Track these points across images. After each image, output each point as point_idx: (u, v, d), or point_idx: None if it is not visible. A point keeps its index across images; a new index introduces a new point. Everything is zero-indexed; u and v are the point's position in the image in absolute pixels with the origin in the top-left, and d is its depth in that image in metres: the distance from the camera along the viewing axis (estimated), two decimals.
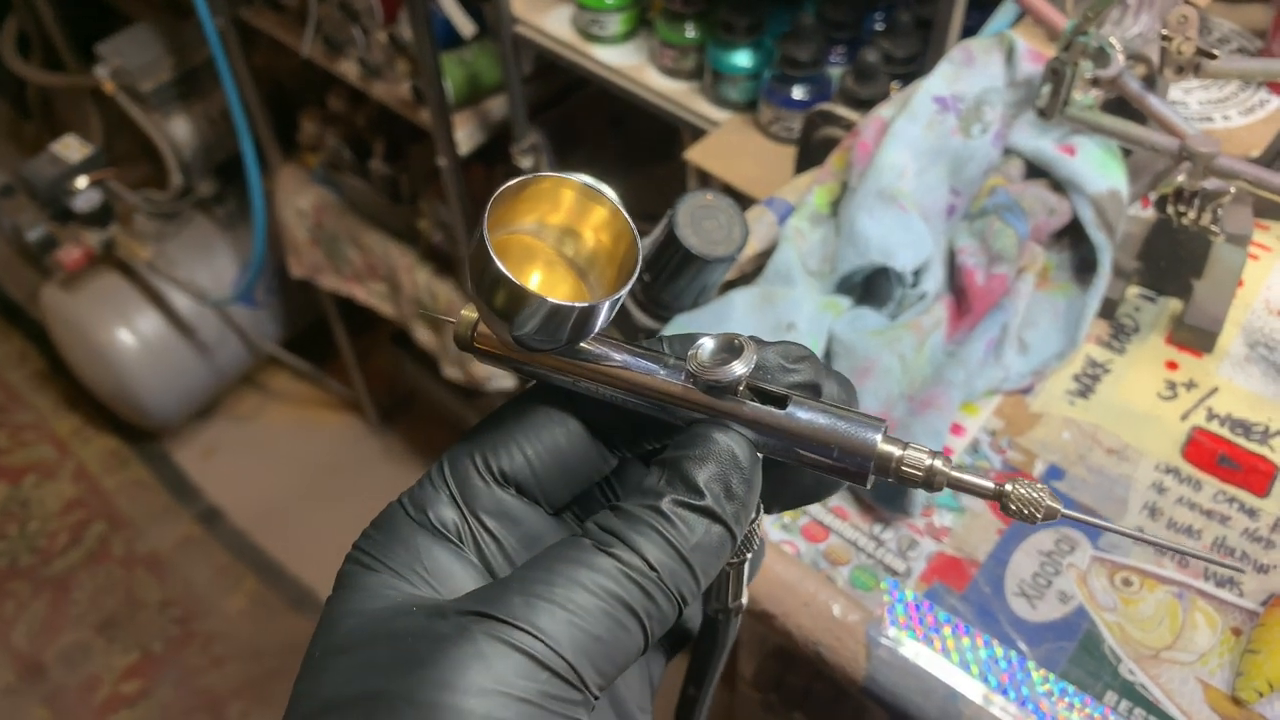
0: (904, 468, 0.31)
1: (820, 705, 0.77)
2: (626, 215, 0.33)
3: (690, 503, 0.31)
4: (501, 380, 1.75)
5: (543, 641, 0.28)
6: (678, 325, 0.72)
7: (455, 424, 2.11)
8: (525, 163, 1.42)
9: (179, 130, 1.96)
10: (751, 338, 0.34)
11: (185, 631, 2.02)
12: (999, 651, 0.63)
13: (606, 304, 0.32)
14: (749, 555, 0.37)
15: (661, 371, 0.33)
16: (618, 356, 0.34)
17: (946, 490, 0.66)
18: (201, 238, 2.08)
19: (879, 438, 0.31)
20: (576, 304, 0.31)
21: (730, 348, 0.33)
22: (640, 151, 1.64)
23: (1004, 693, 0.61)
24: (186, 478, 2.25)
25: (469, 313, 0.35)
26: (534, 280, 0.34)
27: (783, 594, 0.66)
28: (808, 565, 0.67)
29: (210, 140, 2.00)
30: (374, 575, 0.32)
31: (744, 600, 0.38)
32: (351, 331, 2.13)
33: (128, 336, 2.03)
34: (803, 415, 0.32)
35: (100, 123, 2.15)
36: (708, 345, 0.33)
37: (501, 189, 0.31)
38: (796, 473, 0.35)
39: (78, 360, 2.12)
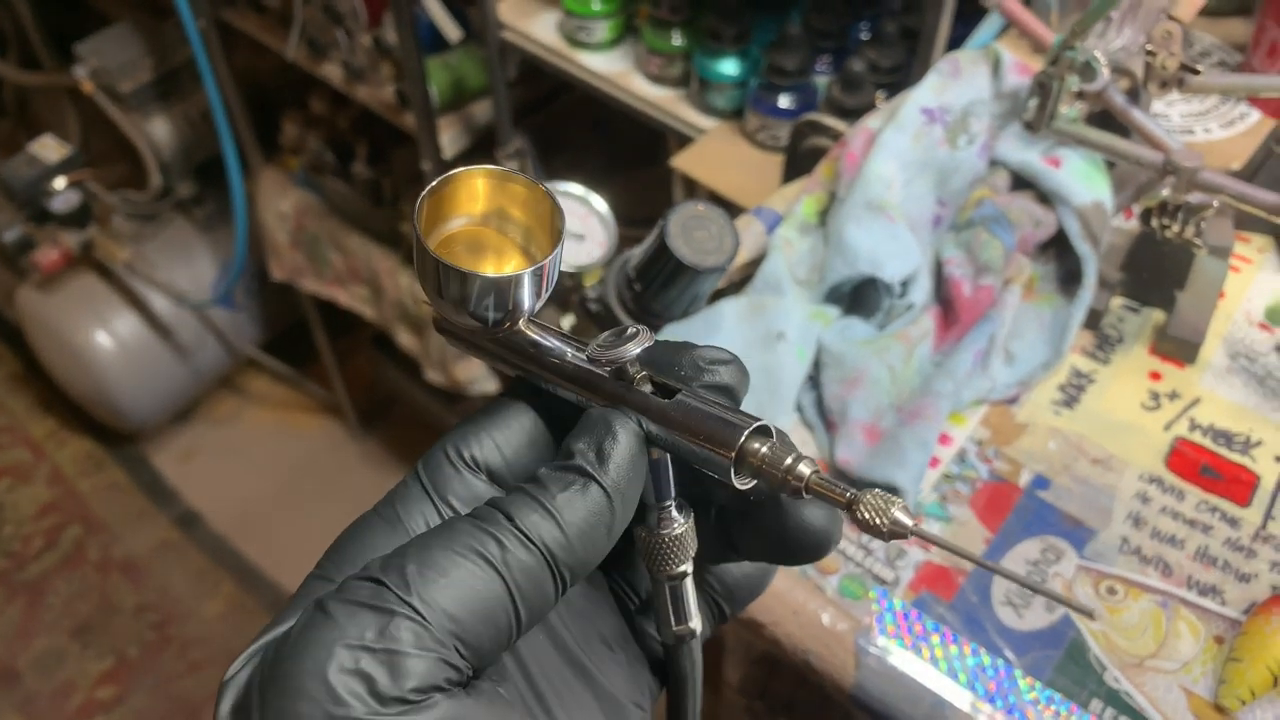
0: (764, 466, 0.31)
1: (805, 712, 0.77)
2: (543, 185, 0.34)
3: (562, 464, 0.32)
4: (483, 384, 1.75)
5: (391, 590, 0.28)
6: (668, 334, 0.72)
7: (436, 428, 2.10)
8: (510, 167, 1.42)
9: (158, 131, 1.95)
10: (684, 342, 0.35)
11: (162, 636, 2.00)
12: (986, 660, 0.63)
13: (527, 273, 0.33)
14: (685, 568, 0.35)
15: (569, 355, 0.35)
16: (548, 343, 0.35)
17: (933, 498, 0.67)
18: (180, 239, 2.06)
19: (745, 434, 0.32)
20: (497, 274, 0.33)
21: (623, 334, 0.34)
22: (626, 156, 1.64)
23: (991, 701, 0.62)
24: (164, 481, 2.23)
25: None
26: (486, 265, 0.35)
27: (772, 602, 0.66)
28: (796, 573, 0.67)
29: (190, 141, 1.98)
30: (317, 583, 0.32)
31: (694, 625, 0.36)
32: (331, 334, 2.12)
33: (105, 338, 2.01)
34: (684, 407, 0.33)
35: (78, 122, 2.13)
36: (606, 335, 0.34)
37: (424, 192, 0.33)
38: (758, 514, 0.35)
39: (54, 362, 2.09)
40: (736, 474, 0.32)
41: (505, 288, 0.33)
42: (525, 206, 0.35)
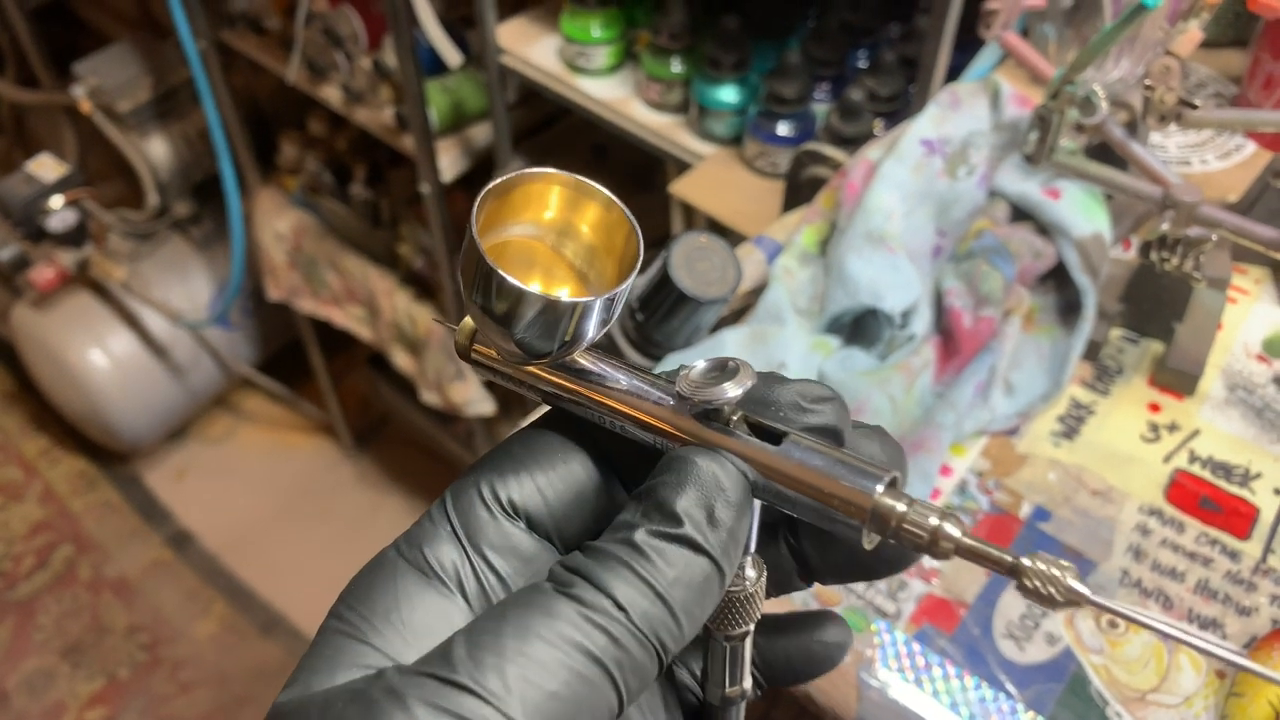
0: (905, 526, 0.27)
1: None
2: (622, 206, 0.31)
3: (666, 531, 0.27)
4: (479, 405, 1.75)
5: (489, 703, 0.24)
6: (670, 364, 0.72)
7: (431, 448, 2.10)
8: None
9: (156, 150, 1.95)
10: (771, 373, 0.31)
11: (153, 657, 1.99)
12: (988, 693, 0.63)
13: (600, 300, 0.29)
14: (749, 628, 0.32)
15: (654, 394, 0.30)
16: (615, 375, 0.31)
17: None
18: (177, 258, 2.06)
19: (879, 488, 0.28)
20: (570, 299, 0.29)
21: (724, 369, 0.30)
22: (624, 180, 1.65)
23: None
24: (157, 500, 2.22)
25: (470, 321, 0.33)
26: (534, 284, 0.31)
27: None
28: (798, 606, 0.67)
29: (188, 160, 1.98)
30: (341, 639, 0.28)
31: (747, 686, 0.33)
32: (326, 354, 2.11)
33: (100, 357, 2.01)
34: (797, 455, 0.29)
35: (76, 140, 2.13)
36: (700, 365, 0.30)
37: (487, 188, 0.29)
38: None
39: (48, 380, 2.08)
40: (867, 534, 0.28)
41: (566, 314, 0.29)
42: (596, 226, 0.31)
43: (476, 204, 0.28)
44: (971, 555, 0.27)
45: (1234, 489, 0.72)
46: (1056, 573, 0.26)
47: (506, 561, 0.30)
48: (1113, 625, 0.66)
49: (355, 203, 1.75)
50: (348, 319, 1.87)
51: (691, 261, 0.67)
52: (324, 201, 1.80)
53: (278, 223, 1.87)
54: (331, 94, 1.57)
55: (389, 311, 1.76)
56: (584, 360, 0.31)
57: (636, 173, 1.60)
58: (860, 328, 0.77)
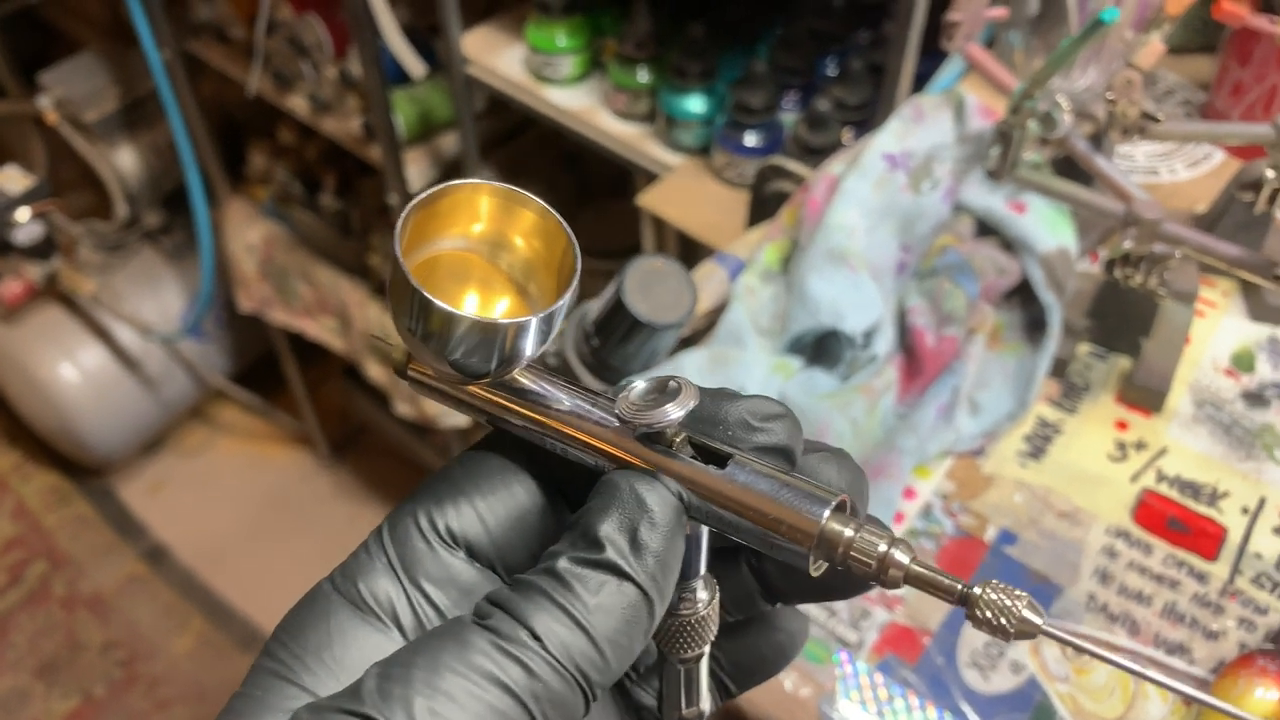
0: (854, 553, 0.26)
1: None
2: (558, 216, 0.29)
3: (586, 558, 0.26)
4: (454, 418, 1.73)
5: None
6: None
7: (408, 459, 2.08)
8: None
9: (124, 161, 1.92)
10: (722, 389, 0.30)
11: (129, 674, 1.96)
12: None
13: (536, 319, 0.28)
14: (703, 650, 0.31)
15: (596, 414, 0.29)
16: (557, 395, 0.30)
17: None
18: (148, 270, 2.04)
19: (826, 513, 0.26)
20: (504, 320, 0.27)
21: (664, 389, 0.28)
22: (595, 189, 1.63)
23: None
24: (131, 514, 2.20)
25: None
26: (470, 299, 0.30)
27: None
28: None
29: (157, 170, 1.96)
30: (271, 679, 0.27)
31: (704, 708, 0.32)
32: (302, 364, 2.09)
33: (70, 371, 1.98)
34: (741, 478, 0.27)
35: (43, 150, 2.10)
36: (639, 385, 0.28)
37: (412, 202, 0.27)
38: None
39: (18, 395, 2.06)
40: (813, 561, 0.27)
41: (500, 336, 0.28)
42: (532, 237, 0.30)
43: (400, 221, 0.27)
44: (921, 583, 0.26)
45: (1202, 509, 0.71)
46: (1009, 603, 0.25)
47: (445, 594, 0.29)
48: (1079, 653, 0.65)
49: (325, 213, 1.73)
50: (320, 330, 1.85)
51: (646, 286, 0.65)
52: (294, 211, 1.78)
53: (248, 233, 1.84)
54: (298, 104, 1.54)
55: (361, 322, 1.74)
56: (524, 379, 0.30)
57: (609, 182, 1.59)
58: (823, 347, 0.76)
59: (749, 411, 0.29)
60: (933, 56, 0.99)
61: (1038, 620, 0.25)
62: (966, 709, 0.63)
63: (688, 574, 0.29)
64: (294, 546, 2.13)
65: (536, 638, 0.25)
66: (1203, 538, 0.69)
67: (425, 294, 0.26)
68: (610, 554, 0.26)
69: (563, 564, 0.26)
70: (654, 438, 0.28)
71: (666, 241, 1.24)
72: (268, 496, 2.21)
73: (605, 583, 0.26)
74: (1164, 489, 0.72)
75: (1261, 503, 0.71)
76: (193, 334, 1.96)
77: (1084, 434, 0.75)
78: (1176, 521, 0.70)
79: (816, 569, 0.27)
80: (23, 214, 1.82)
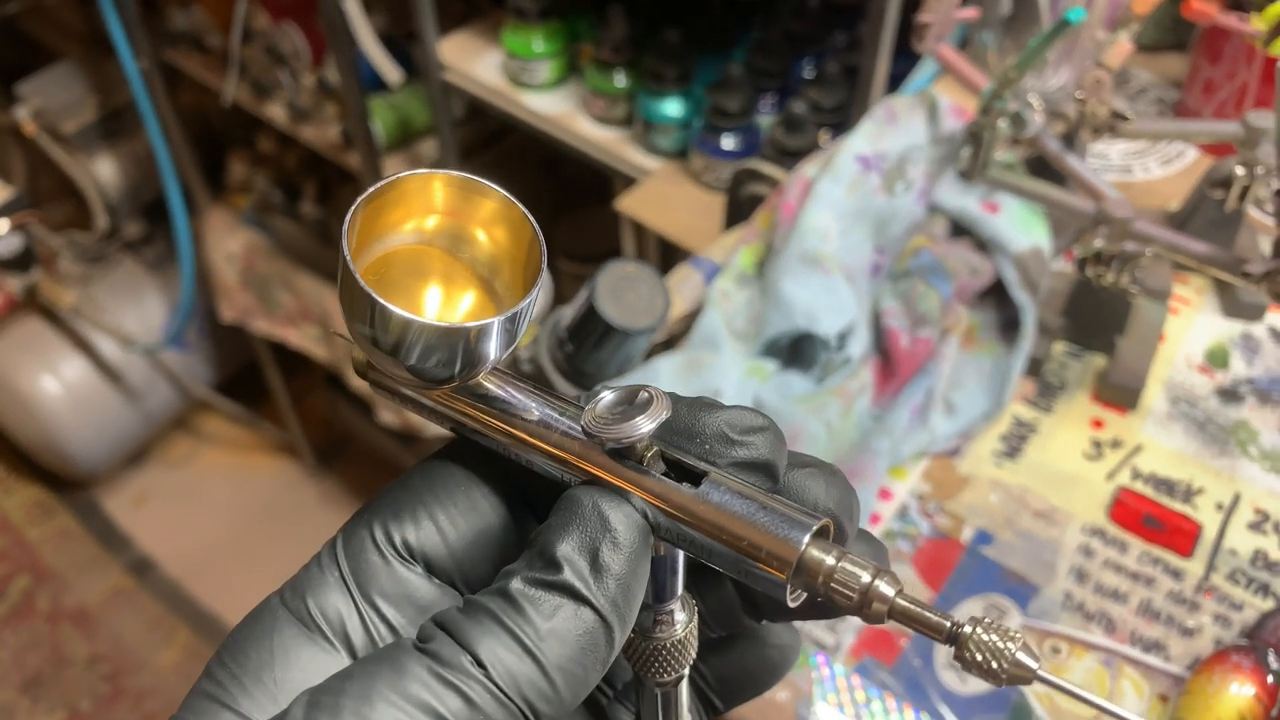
0: (834, 584, 0.24)
1: None
2: (521, 206, 0.27)
3: (542, 578, 0.24)
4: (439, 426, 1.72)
5: None
6: None
7: (395, 466, 2.07)
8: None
9: (104, 171, 1.91)
10: (700, 398, 0.28)
11: (115, 688, 1.95)
12: None
13: (499, 321, 0.26)
14: (681, 673, 0.29)
15: (564, 424, 0.27)
16: (523, 402, 0.28)
17: None
18: (129, 280, 2.03)
19: (805, 539, 0.24)
20: (463, 324, 0.25)
21: (633, 400, 0.26)
22: (574, 195, 1.63)
23: None
24: (116, 527, 2.18)
25: None
26: (432, 295, 0.28)
27: None
28: None
29: (137, 181, 1.95)
30: (206, 703, 0.25)
31: None
32: (286, 373, 2.08)
33: (52, 384, 1.97)
34: (716, 498, 0.25)
35: (22, 162, 2.09)
36: (606, 397, 0.26)
37: (360, 197, 0.25)
38: None
39: (0, 408, 2.04)
40: (791, 590, 0.25)
41: (461, 340, 0.26)
42: (493, 228, 0.28)
43: (348, 218, 0.25)
44: (906, 619, 0.24)
45: (1177, 505, 0.71)
46: (1002, 645, 0.23)
47: (400, 611, 0.27)
48: (1055, 652, 0.65)
49: (306, 221, 1.73)
50: (303, 339, 1.84)
51: (618, 292, 0.65)
52: (275, 220, 1.77)
53: (229, 242, 1.84)
54: (277, 112, 1.54)
55: (343, 330, 1.74)
56: (490, 384, 0.28)
57: (588, 187, 1.59)
58: (798, 350, 0.76)
59: (728, 423, 0.27)
60: (908, 58, 1.00)
61: (1033, 665, 0.23)
62: (944, 710, 0.62)
63: (664, 596, 0.28)
64: (280, 556, 2.12)
65: (480, 664, 0.23)
66: (1178, 535, 0.70)
67: (376, 297, 0.24)
68: (568, 575, 0.24)
69: (516, 585, 0.24)
70: (623, 452, 0.26)
71: (646, 246, 1.24)
72: (253, 507, 2.20)
73: (560, 606, 0.24)
74: (1139, 486, 0.72)
75: (1236, 499, 0.71)
76: (175, 344, 1.95)
77: (1060, 433, 0.75)
78: (1152, 519, 0.70)
79: (794, 599, 0.25)
80: (1, 226, 1.81)
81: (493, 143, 1.57)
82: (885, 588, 0.24)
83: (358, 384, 1.80)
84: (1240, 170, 0.71)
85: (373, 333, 0.25)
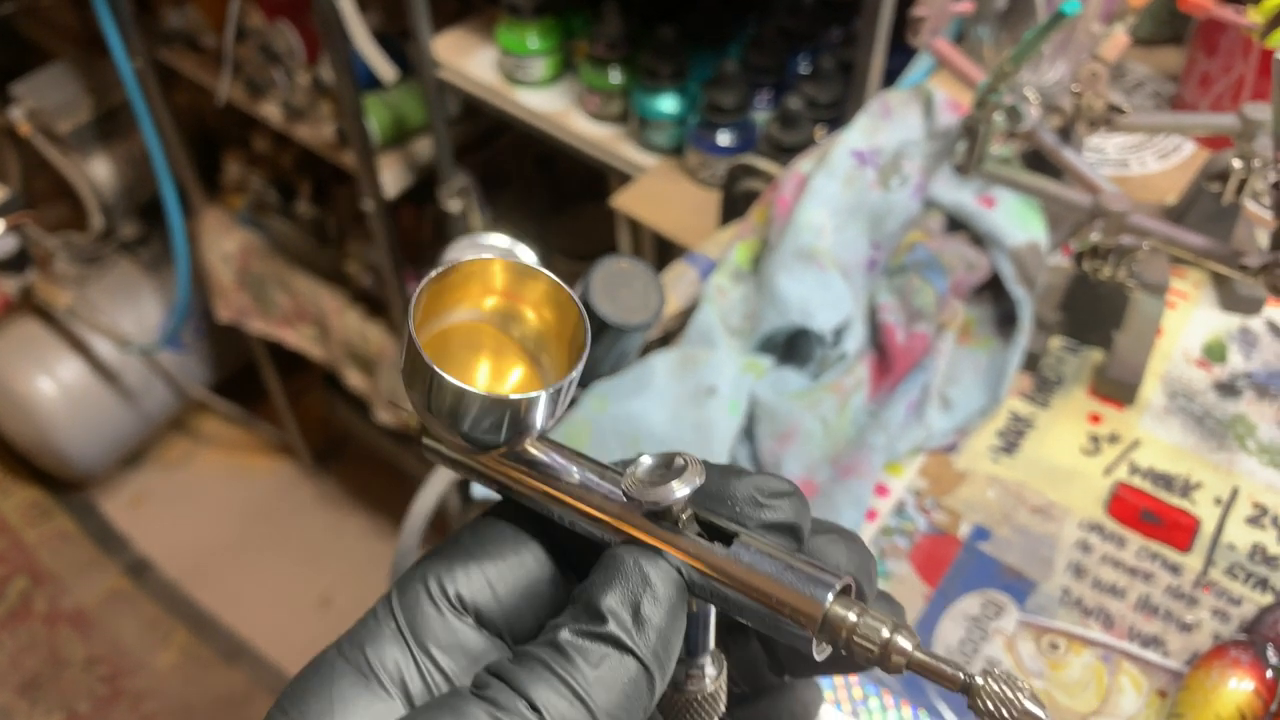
0: (856, 638, 0.27)
1: None
2: (567, 288, 0.30)
3: (589, 630, 0.26)
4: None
5: None
6: (597, 392, 0.70)
7: (391, 466, 2.07)
8: (454, 206, 1.40)
9: (99, 171, 1.91)
10: (729, 466, 0.30)
11: (113, 690, 1.95)
12: None
13: (545, 394, 0.28)
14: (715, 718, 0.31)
15: (604, 488, 0.30)
16: (566, 467, 0.30)
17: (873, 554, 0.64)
18: (125, 281, 2.02)
19: (830, 596, 0.27)
20: (515, 395, 0.28)
21: (670, 465, 0.28)
22: (570, 192, 1.63)
23: None
24: (113, 528, 2.18)
25: None
26: (484, 369, 0.31)
27: None
28: None
29: (133, 181, 1.94)
30: None
31: None
32: (282, 373, 2.08)
33: (48, 385, 1.96)
34: (746, 558, 0.28)
35: (18, 163, 2.08)
36: (645, 462, 0.29)
37: (425, 280, 0.29)
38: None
39: None
40: (816, 644, 0.27)
41: (510, 409, 0.28)
42: (543, 308, 0.31)
43: (414, 297, 0.28)
44: (923, 670, 0.26)
45: (1175, 500, 0.71)
46: (1011, 694, 0.25)
47: (454, 660, 0.29)
48: (1053, 648, 0.64)
49: (301, 220, 1.72)
50: (299, 339, 1.84)
51: (612, 288, 0.65)
52: (270, 220, 1.77)
53: (224, 242, 1.83)
54: (271, 111, 1.53)
55: (340, 330, 1.73)
56: (535, 450, 0.30)
57: (583, 185, 1.58)
58: (793, 346, 0.75)
59: (756, 488, 0.29)
60: (903, 53, 0.99)
61: (1040, 713, 0.25)
62: (942, 707, 0.62)
63: (695, 650, 0.30)
64: (278, 557, 2.12)
65: (535, 709, 0.25)
66: (1176, 530, 0.69)
67: (437, 370, 0.27)
68: (612, 627, 0.26)
69: (564, 635, 0.26)
70: (660, 514, 0.28)
71: (642, 243, 1.24)
72: (251, 507, 2.20)
73: (607, 655, 0.26)
74: (1137, 481, 0.72)
75: (1234, 493, 0.71)
76: (171, 345, 1.95)
77: (1057, 428, 0.75)
78: (1150, 514, 0.70)
79: (820, 652, 0.27)
80: None
81: (487, 142, 1.57)
82: (904, 641, 0.26)
83: (355, 383, 1.79)
84: (1237, 163, 0.71)
85: (432, 402, 0.28)
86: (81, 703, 1.93)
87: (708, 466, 0.29)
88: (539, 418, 0.29)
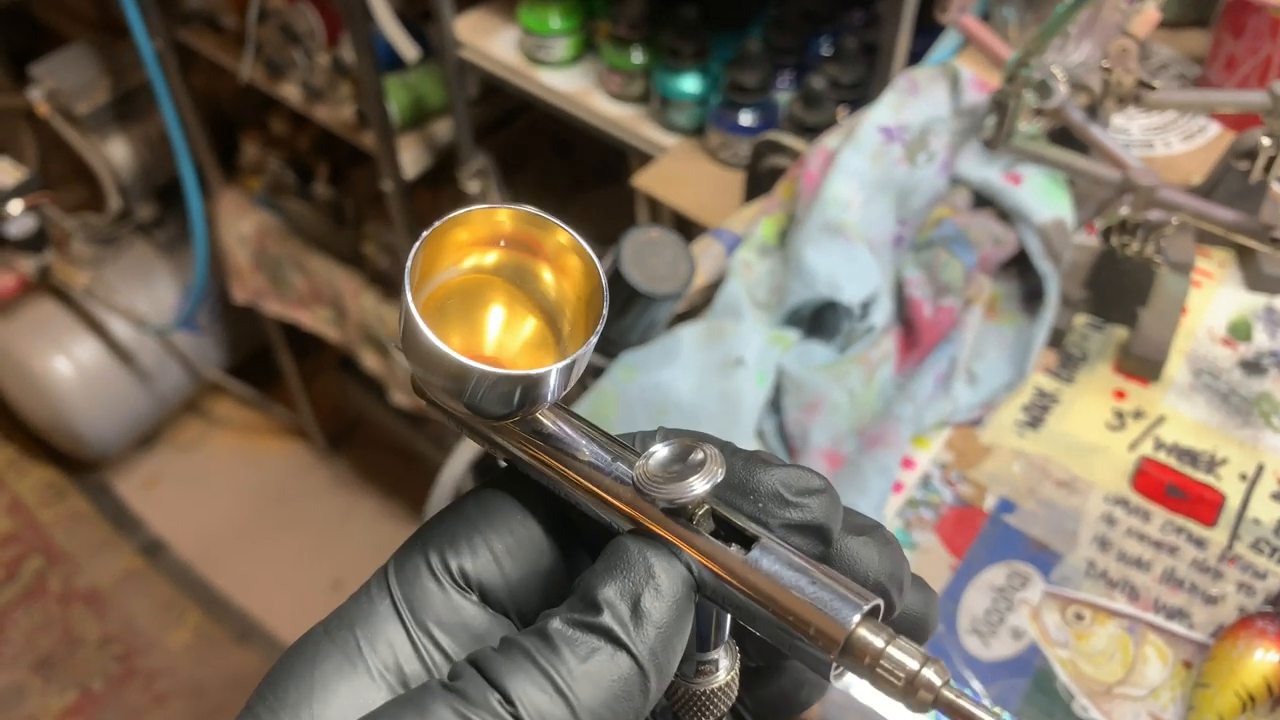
0: (881, 666, 0.24)
1: None
2: (582, 241, 0.27)
3: (581, 620, 0.24)
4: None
5: None
6: (625, 362, 0.70)
7: (405, 450, 2.08)
8: (473, 187, 1.41)
9: (117, 153, 1.92)
10: (757, 453, 0.27)
11: (126, 669, 1.96)
12: None
13: (556, 369, 0.25)
14: (722, 714, 0.29)
15: (617, 469, 0.27)
16: (576, 441, 0.27)
17: (898, 525, 0.64)
18: (141, 262, 2.03)
19: (856, 618, 0.24)
20: (521, 372, 0.25)
21: (687, 458, 0.26)
22: (589, 174, 1.63)
23: None
24: (127, 509, 2.19)
25: None
26: (493, 323, 0.28)
27: None
28: None
29: (149, 163, 1.95)
30: None
31: None
32: (297, 356, 2.09)
33: (64, 365, 1.97)
34: (767, 566, 0.25)
35: (35, 144, 2.09)
36: (660, 453, 0.26)
37: (424, 234, 0.26)
38: None
39: (12, 390, 2.05)
40: (835, 669, 0.25)
41: (519, 384, 0.26)
42: (556, 261, 0.28)
43: (410, 257, 0.25)
44: (952, 710, 0.24)
45: (1200, 475, 0.71)
46: None
47: (455, 640, 0.26)
48: (1078, 619, 0.65)
49: (319, 202, 1.73)
50: (315, 321, 1.84)
51: (642, 257, 0.65)
52: (287, 202, 1.78)
53: (241, 224, 1.84)
54: (291, 92, 1.54)
55: (356, 312, 1.74)
56: (546, 419, 0.28)
57: (602, 168, 1.59)
58: (820, 320, 0.76)
59: (783, 483, 0.26)
60: (927, 34, 0.99)
61: None
62: (968, 675, 0.63)
63: (707, 645, 0.28)
64: (290, 539, 2.13)
65: (510, 702, 0.23)
66: (1201, 504, 0.70)
67: (437, 342, 0.24)
68: (607, 619, 0.24)
69: (555, 625, 0.24)
70: (675, 510, 0.26)
71: (662, 224, 1.24)
72: (264, 489, 2.21)
73: (597, 649, 0.24)
74: (1162, 457, 0.72)
75: (1259, 469, 0.71)
76: (187, 326, 1.96)
77: (1082, 403, 0.75)
78: (1175, 489, 0.70)
79: (837, 676, 0.25)
80: (15, 207, 1.81)
81: (506, 124, 1.57)
82: (933, 676, 0.24)
83: (370, 365, 1.80)
84: (1266, 140, 0.71)
85: (433, 374, 0.25)
86: (95, 681, 1.94)
87: (731, 453, 0.27)
88: (550, 391, 0.26)
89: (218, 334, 2.14)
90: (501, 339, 0.28)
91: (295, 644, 0.26)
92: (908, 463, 0.72)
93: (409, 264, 0.25)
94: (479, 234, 0.27)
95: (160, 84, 1.55)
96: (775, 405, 0.72)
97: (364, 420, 2.22)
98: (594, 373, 0.72)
